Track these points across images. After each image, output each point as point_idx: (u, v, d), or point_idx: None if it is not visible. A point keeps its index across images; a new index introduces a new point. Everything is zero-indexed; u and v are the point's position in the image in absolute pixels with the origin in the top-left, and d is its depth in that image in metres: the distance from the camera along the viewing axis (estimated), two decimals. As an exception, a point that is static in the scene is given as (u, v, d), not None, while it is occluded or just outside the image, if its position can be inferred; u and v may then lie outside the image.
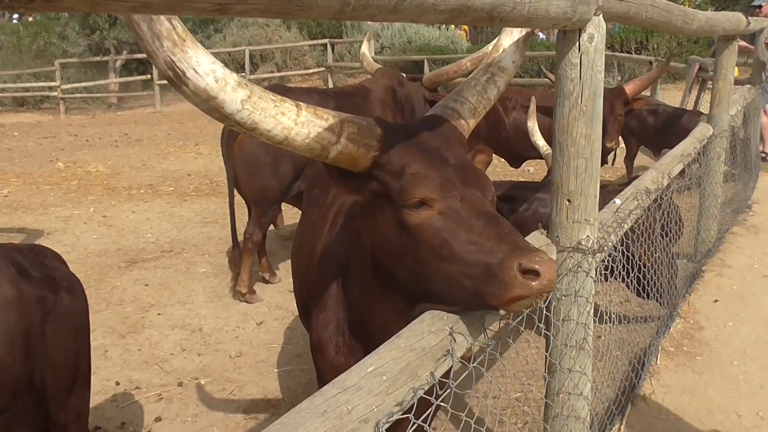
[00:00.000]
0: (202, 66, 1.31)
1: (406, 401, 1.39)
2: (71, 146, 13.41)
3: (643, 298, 3.79)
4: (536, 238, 2.29)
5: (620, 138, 7.84)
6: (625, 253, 3.03)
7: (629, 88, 5.85)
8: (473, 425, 1.80)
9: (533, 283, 1.45)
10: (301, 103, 1.53)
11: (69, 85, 19.85)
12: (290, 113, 1.48)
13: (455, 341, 1.59)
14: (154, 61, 1.29)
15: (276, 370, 4.25)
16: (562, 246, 2.28)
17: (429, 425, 1.53)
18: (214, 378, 4.18)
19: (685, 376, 3.64)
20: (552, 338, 2.32)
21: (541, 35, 19.82)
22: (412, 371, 1.45)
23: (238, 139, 5.14)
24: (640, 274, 3.45)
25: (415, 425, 1.40)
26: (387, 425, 1.33)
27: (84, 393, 2.65)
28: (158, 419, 3.74)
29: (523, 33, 2.06)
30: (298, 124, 1.49)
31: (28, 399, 2.29)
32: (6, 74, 21.13)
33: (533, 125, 4.72)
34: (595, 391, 2.91)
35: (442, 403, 1.52)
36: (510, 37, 2.05)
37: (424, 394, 1.47)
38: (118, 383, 4.13)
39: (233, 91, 1.36)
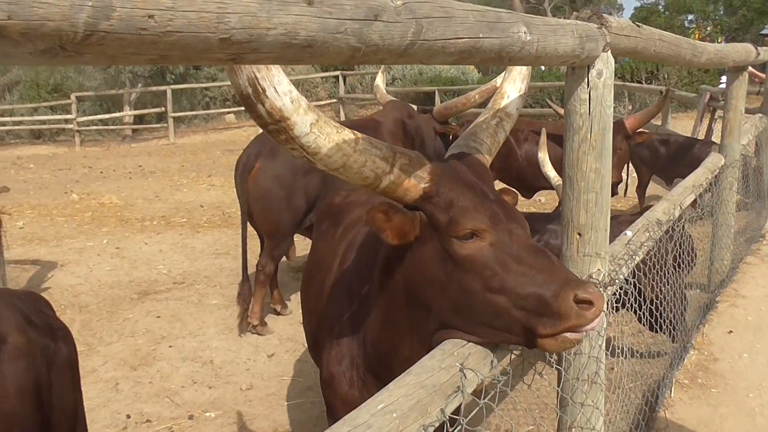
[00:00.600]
0: (282, 85, 1.33)
1: (417, 439, 1.39)
2: (86, 178, 13.56)
3: (655, 331, 3.77)
4: (547, 272, 2.29)
5: (632, 168, 7.88)
6: (637, 285, 3.03)
7: (629, 123, 5.86)
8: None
9: (587, 313, 1.50)
10: (357, 132, 1.55)
11: (84, 118, 20.13)
12: (350, 141, 1.51)
13: (466, 377, 1.59)
14: (235, 76, 1.31)
15: (287, 403, 4.24)
16: (573, 280, 2.28)
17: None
18: (224, 411, 4.17)
19: (700, 408, 3.60)
20: (563, 372, 2.31)
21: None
22: (423, 408, 1.45)
23: (252, 173, 5.19)
24: (652, 306, 3.43)
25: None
26: (398, 464, 1.33)
27: None
28: (169, 453, 3.73)
29: (525, 83, 2.12)
30: (356, 151, 1.52)
31: None
32: (23, 107, 21.47)
33: (544, 156, 4.74)
34: (608, 424, 2.88)
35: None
36: (513, 85, 2.10)
37: (435, 431, 1.47)
38: (128, 416, 4.13)
39: (305, 114, 1.39)
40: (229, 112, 22.00)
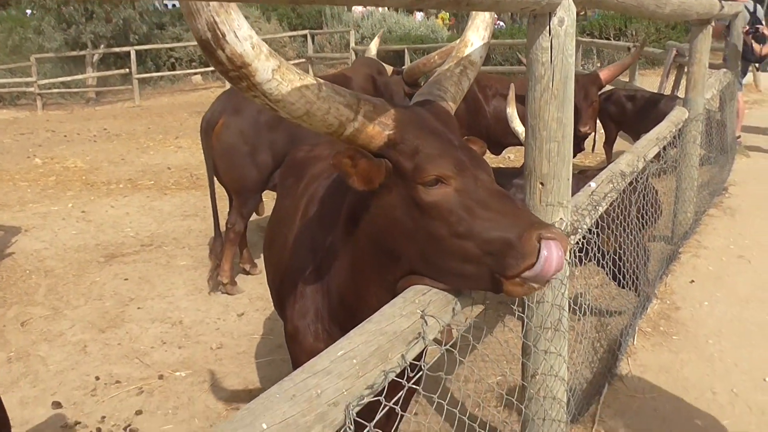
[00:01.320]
0: (242, 30, 1.29)
1: (377, 384, 1.40)
2: (49, 142, 13.26)
3: (621, 286, 3.84)
4: (510, 222, 2.30)
5: (599, 123, 7.92)
6: (601, 235, 3.06)
7: (603, 75, 5.87)
8: (450, 408, 1.82)
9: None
10: (320, 79, 1.53)
11: (46, 81, 19.57)
12: (313, 87, 1.48)
13: (427, 324, 1.60)
14: (193, 20, 1.27)
15: (257, 361, 4.25)
16: (536, 229, 2.29)
17: (401, 407, 1.54)
18: (194, 370, 4.17)
19: (661, 355, 3.69)
20: (527, 321, 2.34)
21: (501, 23, 19.94)
22: (383, 354, 1.46)
23: (216, 129, 5.12)
24: (615, 257, 3.49)
25: (387, 408, 1.41)
26: (358, 408, 1.34)
27: None
28: (139, 412, 3.73)
29: (488, 31, 2.10)
30: (319, 98, 1.49)
31: None
32: (-19, 71, 20.85)
33: (512, 112, 4.74)
34: (572, 372, 2.94)
35: (414, 386, 1.53)
36: (476, 33, 2.07)
37: (396, 377, 1.48)
38: (97, 378, 4.11)
39: (266, 60, 1.35)
40: (195, 73, 21.62)
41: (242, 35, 1.30)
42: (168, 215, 7.69)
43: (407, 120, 1.67)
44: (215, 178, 5.42)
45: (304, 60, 20.83)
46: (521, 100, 5.50)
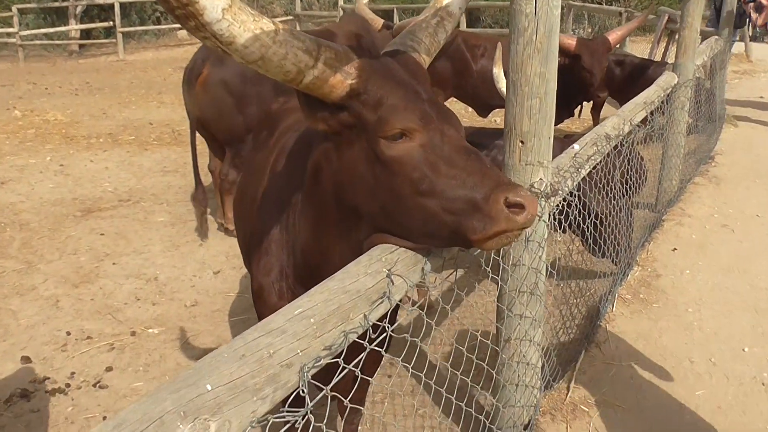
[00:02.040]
0: None
1: (335, 345, 1.33)
2: (29, 94, 12.98)
3: (595, 251, 3.76)
4: (488, 182, 2.22)
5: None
6: (582, 199, 2.99)
7: (612, 37, 5.71)
8: (423, 373, 1.76)
9: (518, 217, 1.43)
10: (278, 22, 1.42)
11: (28, 32, 19.13)
12: (269, 31, 1.37)
13: (393, 284, 1.52)
14: None
15: (231, 319, 4.19)
16: (514, 189, 2.21)
17: (366, 372, 1.48)
18: (168, 327, 4.10)
19: (640, 323, 3.65)
20: (502, 284, 2.27)
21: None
22: (344, 314, 1.38)
23: (200, 80, 4.99)
24: (597, 221, 3.42)
25: (346, 370, 1.34)
26: (314, 370, 1.26)
27: None
28: (109, 369, 3.66)
29: None
30: (276, 42, 1.38)
31: None
32: (-39, 19, 20.33)
33: (499, 72, 4.61)
34: (548, 337, 2.89)
35: (377, 348, 1.46)
36: None
37: (359, 338, 1.41)
38: (69, 333, 4.03)
39: None
40: (181, 28, 21.16)
41: None
42: (148, 171, 7.55)
43: (371, 69, 1.56)
44: (197, 131, 5.32)
45: (291, 18, 20.44)
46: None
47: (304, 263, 1.92)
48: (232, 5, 1.29)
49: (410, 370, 1.80)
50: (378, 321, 1.48)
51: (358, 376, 1.45)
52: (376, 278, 1.50)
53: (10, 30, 18.99)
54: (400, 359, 1.72)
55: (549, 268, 2.58)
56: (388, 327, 1.48)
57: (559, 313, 3.23)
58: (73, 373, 3.64)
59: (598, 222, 3.48)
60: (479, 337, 2.39)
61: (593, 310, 3.60)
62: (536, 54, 2.06)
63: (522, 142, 2.16)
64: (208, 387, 1.08)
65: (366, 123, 1.56)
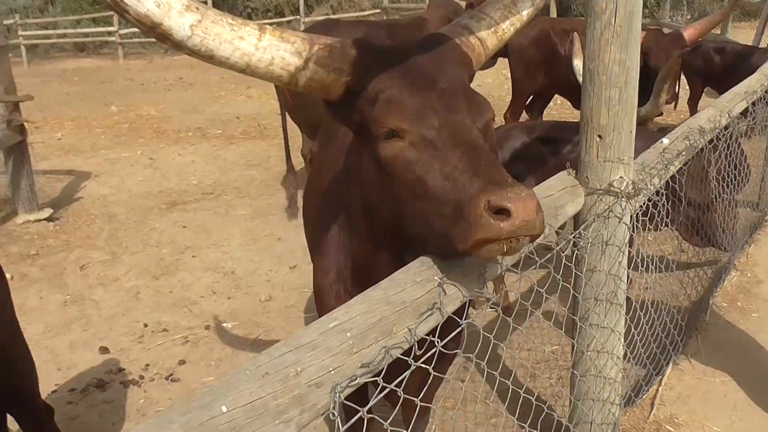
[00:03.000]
0: None
1: (374, 362, 1.20)
2: (126, 90, 13.51)
3: (698, 243, 3.46)
4: (562, 180, 2.04)
5: (684, 79, 7.35)
6: (678, 193, 2.75)
7: (688, 33, 5.23)
8: (502, 378, 1.61)
9: (502, 224, 1.21)
10: (267, 27, 1.36)
11: (126, 30, 19.93)
12: (250, 38, 1.32)
13: (445, 293, 1.38)
14: None
15: (305, 315, 4.15)
16: (591, 188, 2.03)
17: (416, 390, 1.35)
18: (241, 322, 4.10)
19: (736, 334, 3.36)
20: (576, 292, 2.09)
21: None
22: (386, 328, 1.25)
23: None
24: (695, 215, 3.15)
25: (387, 390, 1.21)
26: (349, 390, 1.14)
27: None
28: (182, 362, 3.68)
29: None
30: (259, 49, 1.33)
31: None
32: (66, 20, 21.36)
33: (579, 63, 4.34)
34: (633, 347, 2.67)
35: (424, 366, 1.32)
36: None
37: (403, 354, 1.28)
38: (146, 325, 4.09)
39: (180, 16, 1.24)
40: (271, 23, 21.55)
41: None
42: (232, 164, 7.66)
43: (368, 62, 1.44)
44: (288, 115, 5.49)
45: (379, 10, 20.41)
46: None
47: (355, 267, 1.82)
48: (203, 19, 1.26)
49: (484, 372, 1.64)
50: (427, 335, 1.35)
51: (426, 381, 1.32)
52: (426, 287, 1.37)
53: (111, 29, 19.86)
54: (473, 356, 1.58)
55: (629, 274, 2.38)
56: (437, 342, 1.33)
57: (645, 321, 2.99)
58: (147, 365, 3.68)
59: (704, 207, 3.22)
60: (561, 346, 2.24)
61: (683, 319, 3.32)
62: (615, 39, 1.86)
63: (600, 136, 1.97)
64: (223, 409, 0.98)
65: (367, 121, 1.45)
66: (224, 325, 4.09)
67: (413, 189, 1.37)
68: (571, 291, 2.06)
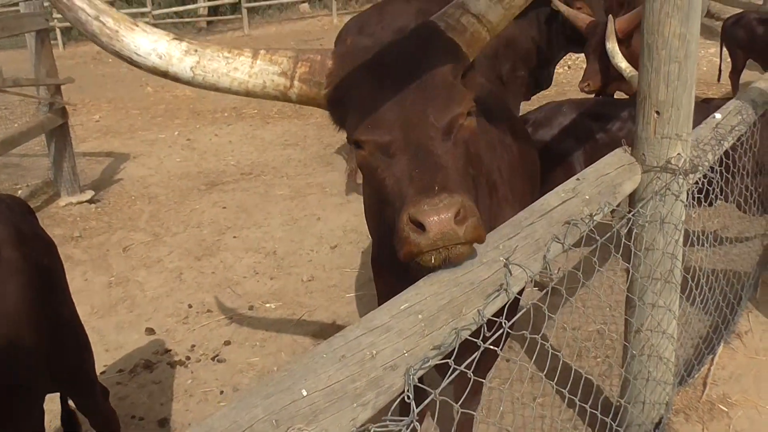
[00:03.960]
0: (142, 49, 1.37)
1: (445, 344, 1.20)
2: (160, 71, 13.58)
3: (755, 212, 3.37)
4: (619, 158, 2.01)
5: (725, 51, 7.18)
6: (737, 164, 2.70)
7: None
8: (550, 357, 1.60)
9: (420, 238, 1.22)
10: (261, 52, 1.46)
11: (160, 11, 20.07)
12: (243, 67, 1.44)
13: (511, 274, 1.38)
14: (111, 47, 1.39)
15: (347, 295, 4.16)
16: (648, 165, 2.00)
17: (477, 372, 1.34)
18: (284, 302, 4.13)
19: (790, 311, 3.30)
20: (632, 271, 2.06)
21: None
22: (456, 309, 1.25)
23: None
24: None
25: (457, 371, 1.21)
26: (421, 372, 1.15)
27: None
28: (227, 343, 3.72)
29: None
30: (252, 76, 1.44)
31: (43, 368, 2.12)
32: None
33: (613, 47, 4.19)
34: (682, 327, 2.64)
35: (491, 347, 1.31)
36: None
37: (471, 336, 1.28)
38: (190, 306, 4.14)
39: (180, 62, 1.40)
40: (303, 2, 21.48)
41: (144, 52, 1.37)
42: (269, 144, 7.69)
43: (341, 73, 1.47)
44: None
45: None
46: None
47: None
48: (200, 60, 1.41)
49: (535, 350, 1.64)
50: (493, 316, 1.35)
51: (483, 360, 1.33)
52: (492, 268, 1.37)
53: (144, 10, 19.95)
54: (527, 332, 1.57)
55: (685, 252, 2.34)
56: (504, 323, 1.33)
57: (697, 298, 2.95)
58: (193, 345, 3.73)
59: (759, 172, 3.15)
60: (606, 325, 2.22)
61: (734, 297, 3.27)
62: (676, 12, 1.82)
63: (657, 112, 1.94)
64: (304, 392, 0.99)
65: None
66: (267, 305, 4.13)
67: (377, 195, 1.45)
68: (630, 269, 2.04)
